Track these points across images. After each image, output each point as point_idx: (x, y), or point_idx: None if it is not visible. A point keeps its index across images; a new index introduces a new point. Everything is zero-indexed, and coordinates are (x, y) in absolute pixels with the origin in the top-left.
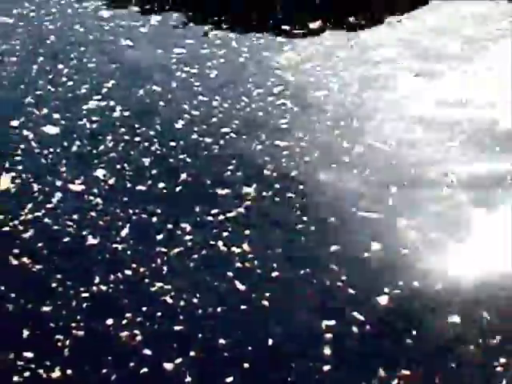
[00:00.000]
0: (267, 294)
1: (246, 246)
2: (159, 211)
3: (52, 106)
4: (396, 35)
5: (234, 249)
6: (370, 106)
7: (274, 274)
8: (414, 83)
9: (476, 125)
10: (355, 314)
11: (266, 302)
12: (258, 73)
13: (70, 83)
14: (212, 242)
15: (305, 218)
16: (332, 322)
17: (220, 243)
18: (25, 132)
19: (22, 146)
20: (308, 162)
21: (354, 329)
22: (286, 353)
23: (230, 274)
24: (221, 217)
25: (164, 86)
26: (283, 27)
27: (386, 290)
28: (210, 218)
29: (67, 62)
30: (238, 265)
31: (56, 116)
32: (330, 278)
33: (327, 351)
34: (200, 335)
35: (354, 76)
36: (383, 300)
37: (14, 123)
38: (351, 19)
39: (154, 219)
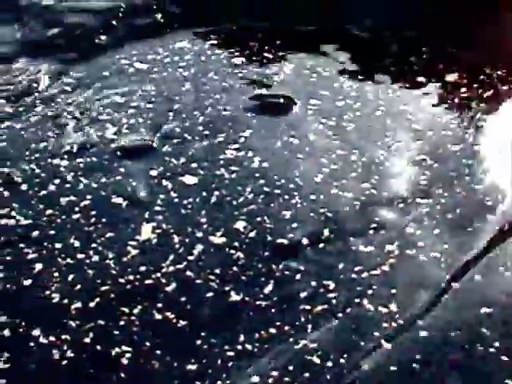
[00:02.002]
0: (417, 357)
1: (392, 306)
2: (302, 268)
3: (190, 156)
4: None
5: (380, 308)
6: None
7: (423, 334)
8: None
9: None
10: (509, 382)
11: (416, 365)
12: (396, 126)
13: (207, 132)
14: (357, 301)
15: (449, 277)
16: None
17: (365, 302)
18: (164, 182)
19: (162, 196)
20: (450, 219)
21: None
22: None
23: (377, 333)
24: (365, 274)
25: (301, 138)
26: (419, 79)
27: None
28: (354, 276)
29: (202, 110)
30: (385, 325)
31: (194, 165)
32: (481, 343)
33: None
34: None
35: (493, 129)
36: None
37: (153, 172)
38: (487, 70)
39: (298, 276)
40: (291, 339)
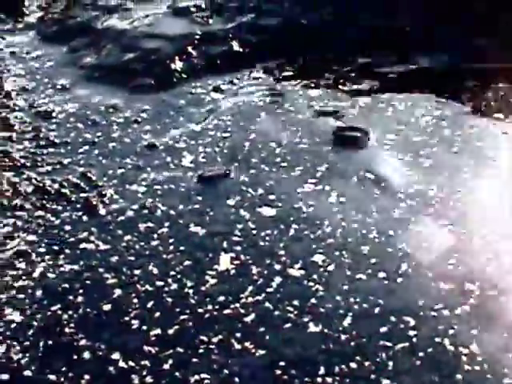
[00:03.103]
0: None
1: (474, 348)
2: (381, 302)
3: (267, 187)
4: None
5: (461, 349)
6: None
7: (506, 381)
8: None
9: None
10: None
11: None
12: (473, 163)
13: (284, 164)
14: (437, 340)
15: None
16: None
17: (446, 341)
18: (241, 212)
19: (240, 226)
20: None
21: None
22: None
23: (458, 376)
24: (445, 312)
25: (378, 172)
26: (496, 115)
27: None
28: (434, 314)
29: (279, 141)
30: (467, 367)
31: (271, 197)
32: None
33: None
34: None
35: None
36: None
37: (230, 202)
38: None
39: (376, 310)
40: (372, 376)
